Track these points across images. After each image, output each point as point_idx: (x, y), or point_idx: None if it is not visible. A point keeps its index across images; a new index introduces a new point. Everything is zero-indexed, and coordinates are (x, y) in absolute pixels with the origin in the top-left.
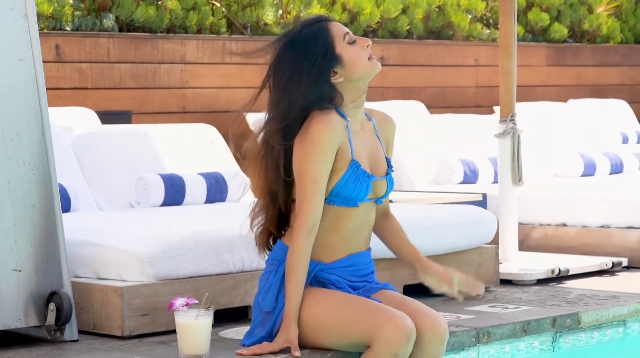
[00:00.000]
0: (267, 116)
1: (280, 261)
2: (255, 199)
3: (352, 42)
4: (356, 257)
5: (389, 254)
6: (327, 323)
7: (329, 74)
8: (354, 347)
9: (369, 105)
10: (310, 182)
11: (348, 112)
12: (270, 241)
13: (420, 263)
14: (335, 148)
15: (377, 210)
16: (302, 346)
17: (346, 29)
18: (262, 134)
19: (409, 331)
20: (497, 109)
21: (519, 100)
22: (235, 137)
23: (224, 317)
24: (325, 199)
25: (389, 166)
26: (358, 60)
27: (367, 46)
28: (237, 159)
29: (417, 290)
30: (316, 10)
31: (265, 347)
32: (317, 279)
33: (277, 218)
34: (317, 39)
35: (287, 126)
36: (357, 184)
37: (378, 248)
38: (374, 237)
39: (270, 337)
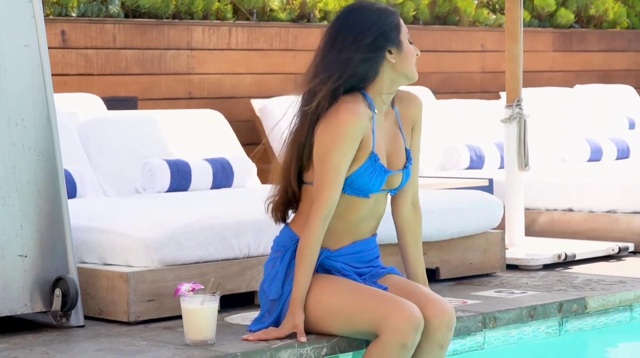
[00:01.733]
0: (317, 79)
1: (286, 248)
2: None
3: (410, 43)
4: (361, 244)
5: (395, 239)
6: (334, 311)
7: (387, 49)
8: (361, 335)
9: None
10: (332, 170)
11: (378, 103)
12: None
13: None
14: (360, 138)
15: (404, 199)
16: (308, 332)
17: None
18: (308, 97)
19: (417, 321)
20: (503, 94)
21: (525, 85)
22: (243, 123)
23: (230, 303)
24: None
25: (408, 158)
26: (410, 57)
27: (417, 55)
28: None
29: None
30: None
31: (272, 332)
32: (323, 266)
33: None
34: (389, 16)
35: (336, 87)
36: (372, 177)
37: (385, 233)
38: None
39: (278, 324)
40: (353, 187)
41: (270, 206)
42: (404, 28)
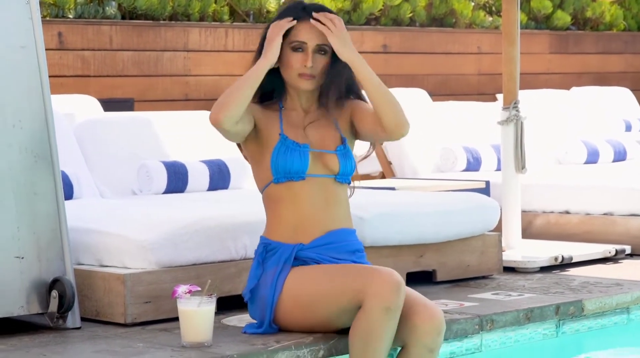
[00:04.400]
0: None
1: (259, 252)
2: None
3: (297, 50)
4: (335, 234)
5: (391, 241)
6: (316, 294)
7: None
8: (346, 315)
9: None
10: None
11: (288, 97)
12: None
13: None
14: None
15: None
16: (295, 330)
17: (304, 38)
18: None
19: (397, 283)
20: (500, 96)
21: (522, 88)
22: None
23: (227, 304)
24: (272, 181)
25: (344, 143)
26: (288, 68)
27: (305, 66)
28: None
29: (420, 278)
30: None
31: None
32: (298, 258)
33: None
34: (279, 18)
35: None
36: (288, 154)
37: (382, 236)
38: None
39: (271, 327)
40: (280, 171)
41: None
42: (292, 36)
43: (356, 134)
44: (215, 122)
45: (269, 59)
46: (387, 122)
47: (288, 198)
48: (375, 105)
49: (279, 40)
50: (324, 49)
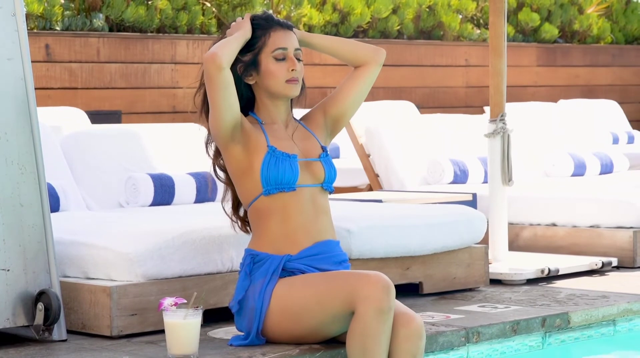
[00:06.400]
0: None
1: (245, 263)
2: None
3: (280, 59)
4: (323, 245)
5: (378, 253)
6: (306, 302)
7: (244, 76)
8: (337, 321)
9: None
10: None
11: (267, 114)
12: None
13: None
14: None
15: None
16: (283, 341)
17: (284, 44)
18: None
19: (386, 284)
20: (487, 109)
21: (509, 100)
22: None
23: (213, 317)
24: (263, 192)
25: (324, 151)
26: (273, 77)
27: (292, 70)
28: None
29: (407, 290)
30: (307, 10)
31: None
32: (285, 269)
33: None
34: (254, 33)
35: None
36: (278, 165)
37: (368, 248)
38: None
39: (258, 337)
40: (272, 183)
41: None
42: (270, 45)
43: (335, 126)
44: (213, 57)
45: (247, 29)
46: (364, 56)
47: (278, 210)
48: (347, 55)
49: (248, 22)
50: (299, 53)
